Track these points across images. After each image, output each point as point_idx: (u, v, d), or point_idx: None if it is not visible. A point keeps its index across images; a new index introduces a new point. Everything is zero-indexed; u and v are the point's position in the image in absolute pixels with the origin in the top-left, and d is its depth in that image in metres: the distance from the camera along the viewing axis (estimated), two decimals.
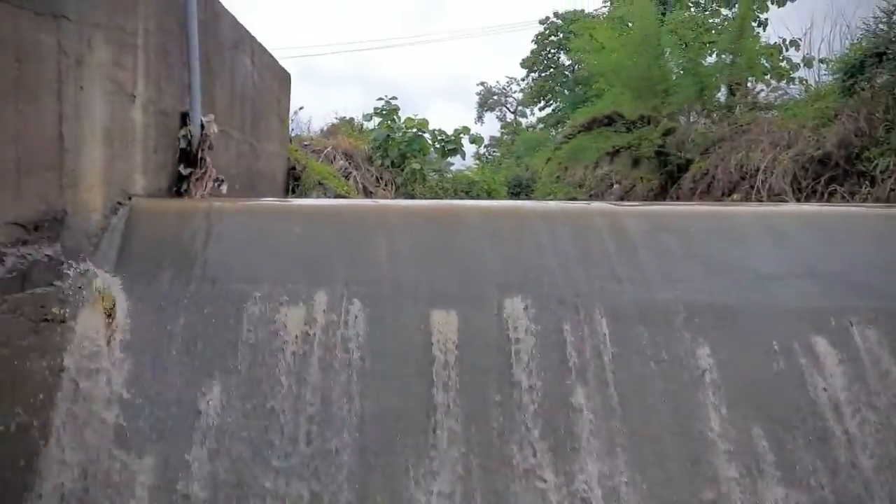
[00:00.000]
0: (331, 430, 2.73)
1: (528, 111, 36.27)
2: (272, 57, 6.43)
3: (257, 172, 5.92)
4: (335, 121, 14.95)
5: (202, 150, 4.10)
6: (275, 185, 6.74)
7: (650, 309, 2.98)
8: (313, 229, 3.49)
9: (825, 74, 10.79)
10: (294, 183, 7.41)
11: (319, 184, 7.76)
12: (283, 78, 7.03)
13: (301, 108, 14.11)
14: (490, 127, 40.09)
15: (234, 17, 5.13)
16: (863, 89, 8.69)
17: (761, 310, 2.94)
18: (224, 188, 4.34)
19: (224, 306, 3.02)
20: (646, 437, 2.65)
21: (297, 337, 2.94)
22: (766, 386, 2.72)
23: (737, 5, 13.59)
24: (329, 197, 7.66)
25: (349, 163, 10.10)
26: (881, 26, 8.87)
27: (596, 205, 4.02)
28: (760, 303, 2.96)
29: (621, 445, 2.62)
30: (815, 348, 2.79)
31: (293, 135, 10.32)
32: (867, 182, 8.29)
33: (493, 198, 14.05)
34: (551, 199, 14.75)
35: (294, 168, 7.46)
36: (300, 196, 7.35)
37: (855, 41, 9.72)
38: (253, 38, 5.70)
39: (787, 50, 13.19)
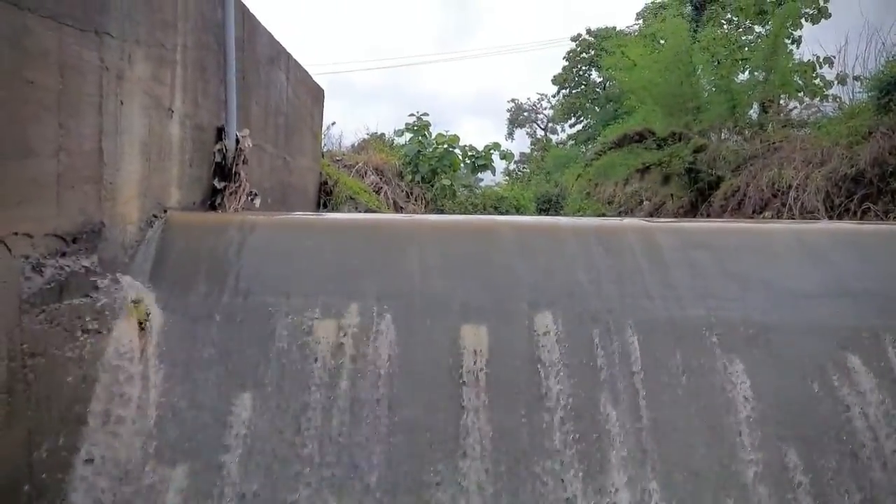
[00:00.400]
0: (360, 443, 2.72)
1: (558, 128, 36.33)
2: (306, 72, 6.54)
3: (290, 186, 5.99)
4: (366, 136, 15.11)
5: (237, 164, 4.17)
6: (307, 200, 6.81)
7: (682, 326, 2.94)
8: (345, 243, 3.52)
9: (859, 92, 10.64)
10: (326, 197, 7.49)
11: (351, 198, 7.83)
12: (317, 93, 7.13)
13: (333, 124, 14.28)
14: (520, 143, 40.25)
15: (270, 33, 5.23)
16: None
17: (795, 327, 2.88)
18: (257, 202, 4.40)
19: (256, 319, 3.05)
20: (676, 454, 2.60)
21: (328, 350, 2.95)
22: (799, 404, 2.66)
23: (770, 23, 13.45)
24: (360, 212, 7.72)
25: (380, 178, 10.18)
26: None
27: (628, 221, 3.99)
28: (794, 320, 2.91)
29: (651, 462, 2.58)
30: (849, 367, 2.73)
31: (325, 150, 10.44)
32: None
33: (521, 213, 14.06)
34: (581, 216, 14.69)
35: (326, 183, 7.55)
36: (332, 210, 7.42)
37: (891, 58, 9.58)
38: (288, 55, 5.79)
39: (820, 67, 13.03)
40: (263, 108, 5.16)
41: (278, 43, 5.45)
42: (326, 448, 2.72)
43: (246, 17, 4.69)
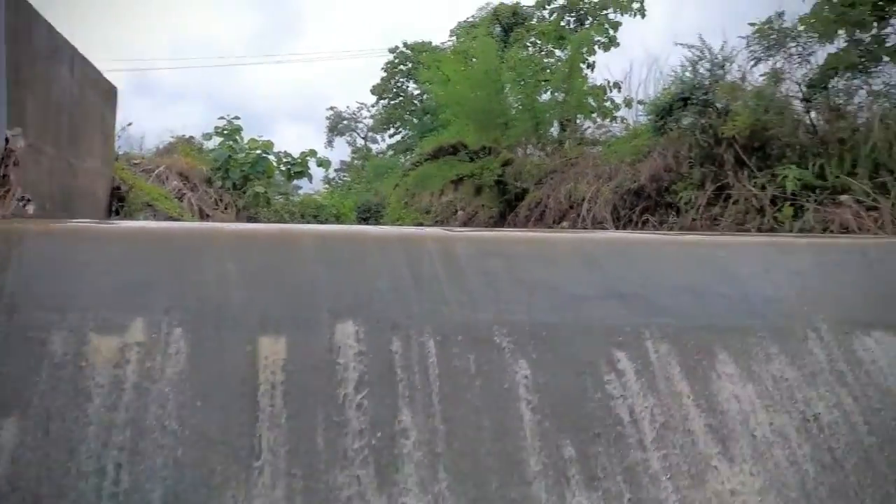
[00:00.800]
0: (143, 468, 2.56)
1: (378, 137, 36.59)
2: (96, 69, 6.03)
3: (75, 191, 5.48)
4: (172, 139, 14.25)
5: (5, 166, 3.74)
6: (96, 206, 6.26)
7: (475, 329, 3.10)
8: (132, 253, 3.29)
9: (641, 115, 11.92)
10: (118, 204, 6.94)
11: (148, 205, 7.33)
12: (109, 91, 6.60)
13: (130, 124, 13.24)
14: (340, 151, 39.96)
15: (49, 24, 4.76)
16: (671, 129, 9.71)
17: (572, 328, 3.16)
18: (31, 208, 3.98)
19: (24, 337, 2.76)
20: (466, 454, 2.73)
21: (107, 369, 2.74)
22: (574, 398, 2.92)
23: (568, 48, 14.65)
24: (159, 219, 7.24)
25: (184, 184, 9.63)
26: (687, 74, 9.99)
27: (429, 230, 4.16)
28: (572, 321, 3.19)
29: (443, 463, 2.69)
30: (617, 362, 3.05)
31: (121, 152, 9.68)
32: (674, 212, 9.27)
33: (342, 222, 14.06)
34: (399, 225, 14.95)
35: (119, 188, 6.99)
36: (125, 218, 6.89)
37: (665, 86, 10.84)
38: (73, 48, 5.31)
39: (610, 91, 14.43)
40: (42, 106, 4.68)
41: (60, 35, 4.98)
42: (106, 473, 2.52)
43: (20, 5, 4.24)
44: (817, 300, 3.36)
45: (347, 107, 40.37)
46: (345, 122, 40.56)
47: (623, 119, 13.33)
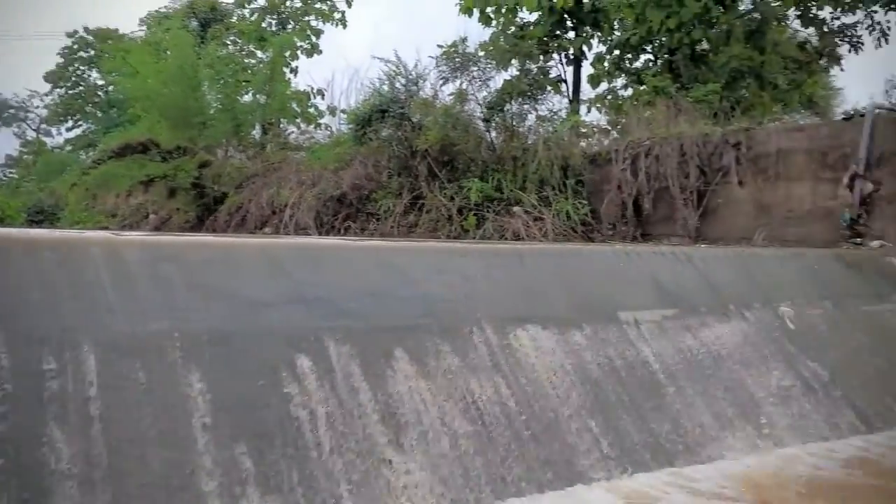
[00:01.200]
0: None
1: (54, 130, 32.16)
2: None
3: None
4: None
5: None
6: None
7: (144, 339, 2.84)
8: None
9: (343, 123, 12.22)
10: None
11: None
12: None
13: None
14: (6, 144, 34.34)
15: None
16: (371, 139, 10.12)
17: (253, 334, 3.06)
18: None
19: None
20: (131, 471, 2.49)
21: None
22: (251, 405, 2.83)
23: (270, 50, 14.44)
24: None
25: None
26: (385, 88, 10.49)
27: (93, 233, 3.72)
28: (253, 327, 3.09)
29: (99, 481, 2.41)
30: (298, 366, 3.03)
31: None
32: (375, 219, 9.67)
33: (7, 225, 12.23)
34: (79, 229, 13.29)
35: None
36: None
37: (366, 97, 11.26)
38: None
39: (314, 97, 14.56)
40: None
41: None
42: None
43: None
44: (482, 300, 3.73)
45: (15, 94, 34.83)
46: (11, 110, 34.95)
47: (327, 126, 13.54)
